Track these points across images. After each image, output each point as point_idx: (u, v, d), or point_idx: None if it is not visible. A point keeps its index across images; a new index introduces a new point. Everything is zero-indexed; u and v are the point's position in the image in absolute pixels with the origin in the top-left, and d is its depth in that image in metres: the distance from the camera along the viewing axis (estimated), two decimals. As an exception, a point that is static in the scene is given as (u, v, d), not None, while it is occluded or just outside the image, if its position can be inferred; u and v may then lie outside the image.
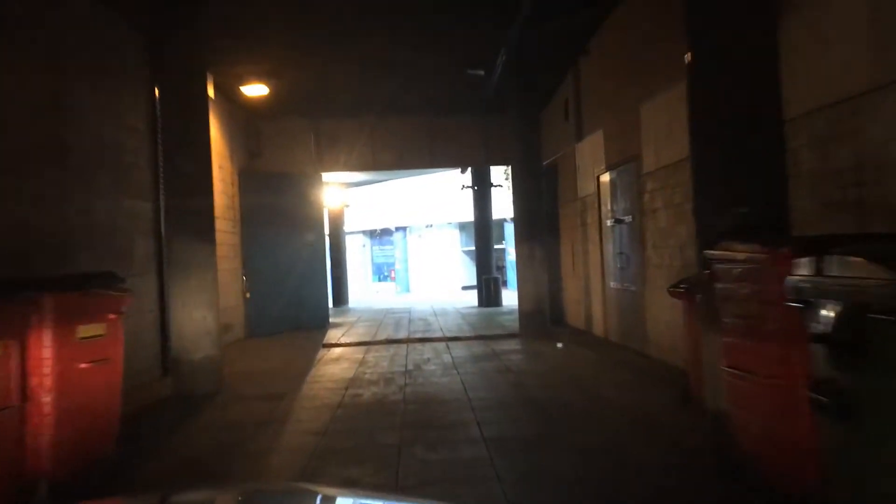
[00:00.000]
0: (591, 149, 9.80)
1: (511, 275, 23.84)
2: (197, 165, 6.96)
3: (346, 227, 32.40)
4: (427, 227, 28.87)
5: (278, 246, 12.57)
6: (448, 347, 9.65)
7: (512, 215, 10.96)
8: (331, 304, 20.80)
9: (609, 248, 9.24)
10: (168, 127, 7.05)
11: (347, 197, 23.26)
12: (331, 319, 14.44)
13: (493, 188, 17.51)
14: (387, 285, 30.20)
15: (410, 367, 8.12)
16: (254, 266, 12.10)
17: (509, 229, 24.92)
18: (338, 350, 9.98)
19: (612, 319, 9.25)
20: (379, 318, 14.89)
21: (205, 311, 6.89)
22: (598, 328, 9.88)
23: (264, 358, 9.51)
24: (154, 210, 7.38)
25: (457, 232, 28.56)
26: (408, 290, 28.91)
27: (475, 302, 17.81)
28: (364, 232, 30.89)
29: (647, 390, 6.21)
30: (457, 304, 18.12)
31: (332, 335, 11.72)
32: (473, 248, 28.60)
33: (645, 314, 7.86)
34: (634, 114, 7.84)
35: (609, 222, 9.16)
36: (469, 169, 17.41)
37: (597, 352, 8.63)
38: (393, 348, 9.86)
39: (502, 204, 18.39)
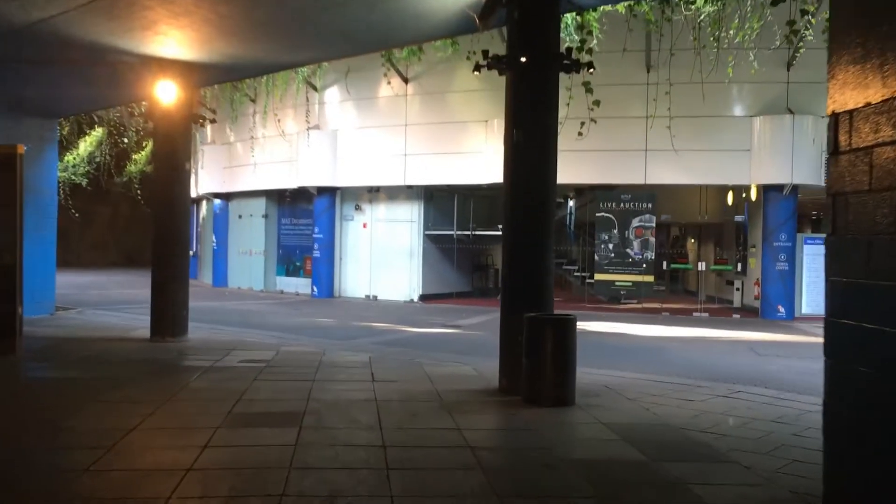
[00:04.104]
0: None
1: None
2: None
3: (217, 182, 21.32)
4: (371, 191, 17.72)
5: None
6: None
7: None
8: (147, 334, 9.76)
9: None
10: None
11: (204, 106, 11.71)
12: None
13: (564, 68, 6.07)
14: (300, 282, 19.05)
15: None
16: None
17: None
18: None
19: None
20: None
21: None
22: None
23: None
24: None
25: (417, 204, 17.47)
26: (330, 293, 17.82)
27: (472, 356, 6.90)
28: (266, 193, 19.51)
29: None
30: (433, 373, 7.17)
31: None
32: (452, 231, 17.38)
33: None
34: None
35: None
36: (495, 15, 6.29)
37: None
38: None
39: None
